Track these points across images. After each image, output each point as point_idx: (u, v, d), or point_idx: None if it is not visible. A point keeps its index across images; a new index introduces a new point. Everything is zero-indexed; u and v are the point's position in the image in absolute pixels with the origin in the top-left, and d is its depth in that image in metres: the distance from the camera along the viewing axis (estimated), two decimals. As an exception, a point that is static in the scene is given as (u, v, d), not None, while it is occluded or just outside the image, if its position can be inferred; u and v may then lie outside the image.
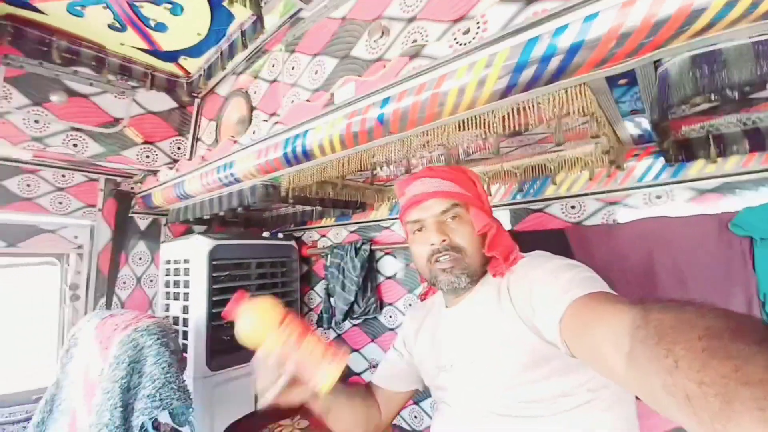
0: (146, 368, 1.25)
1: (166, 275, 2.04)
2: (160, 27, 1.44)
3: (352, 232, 2.16)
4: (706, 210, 1.18)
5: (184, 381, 1.31)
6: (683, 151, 1.14)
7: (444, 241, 0.85)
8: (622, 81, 0.76)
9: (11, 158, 1.62)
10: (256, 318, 0.75)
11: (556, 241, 1.39)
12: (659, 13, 0.58)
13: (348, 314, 2.03)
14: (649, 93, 0.79)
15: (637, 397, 0.67)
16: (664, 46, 0.62)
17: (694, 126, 1.12)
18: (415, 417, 1.81)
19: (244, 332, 0.75)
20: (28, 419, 1.52)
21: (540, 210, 1.53)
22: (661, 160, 1.26)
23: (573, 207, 1.46)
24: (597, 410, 0.73)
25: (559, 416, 0.72)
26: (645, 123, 1.09)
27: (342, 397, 0.96)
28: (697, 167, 1.20)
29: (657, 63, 0.70)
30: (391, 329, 1.96)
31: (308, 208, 2.16)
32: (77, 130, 1.60)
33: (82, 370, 1.43)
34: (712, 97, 0.93)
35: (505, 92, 0.77)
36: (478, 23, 0.76)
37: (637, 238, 1.25)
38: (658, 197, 1.28)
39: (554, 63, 0.70)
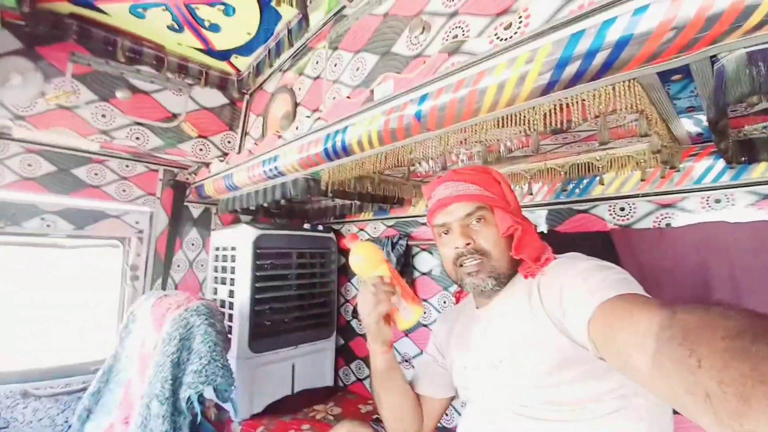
0: (195, 345, 1.35)
1: (215, 261, 2.17)
2: (214, 28, 1.52)
3: (389, 226, 2.18)
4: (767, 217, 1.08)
5: (228, 360, 1.40)
6: (745, 152, 1.05)
7: (468, 244, 0.87)
8: (676, 77, 0.71)
9: (81, 149, 1.80)
10: (369, 251, 0.92)
11: (601, 244, 1.33)
12: (713, 7, 0.54)
13: (383, 308, 2.06)
14: (705, 90, 0.74)
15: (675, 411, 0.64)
16: (718, 42, 0.58)
17: (757, 125, 1.02)
18: (446, 414, 1.81)
19: (358, 260, 0.92)
20: (85, 389, 1.66)
21: (585, 211, 1.47)
22: (722, 161, 1.16)
23: (622, 209, 1.38)
24: (627, 420, 0.71)
25: (588, 423, 0.71)
26: (704, 120, 1.01)
27: (399, 374, 1.02)
28: (760, 170, 1.10)
29: (713, 58, 0.65)
30: (425, 325, 1.97)
31: (347, 201, 2.21)
32: (140, 124, 1.74)
33: (138, 345, 1.57)
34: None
35: (547, 89, 0.75)
36: (520, 17, 0.74)
37: (691, 243, 1.17)
38: (717, 201, 1.19)
39: (600, 58, 0.67)
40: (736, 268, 1.08)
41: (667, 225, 1.27)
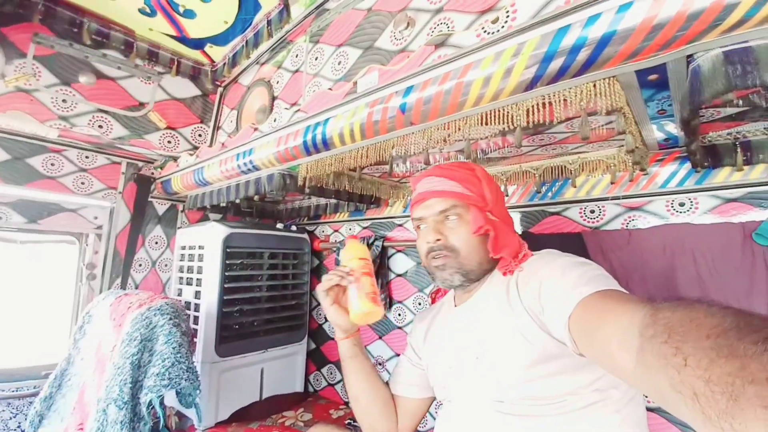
0: (157, 347, 1.27)
1: (181, 260, 2.07)
2: (189, 14, 1.46)
3: (365, 228, 2.16)
4: (729, 220, 1.15)
5: (193, 362, 1.32)
6: (710, 157, 1.11)
7: (438, 240, 0.89)
8: (653, 76, 0.74)
9: (38, 136, 1.67)
10: (351, 245, 1.00)
11: (573, 245, 1.36)
12: (693, 6, 0.56)
13: (357, 309, 2.03)
14: (679, 90, 0.77)
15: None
16: (696, 41, 0.60)
17: (722, 132, 1.09)
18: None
19: (344, 253, 1.00)
20: (36, 394, 1.55)
21: (557, 213, 1.51)
22: (686, 166, 1.23)
23: (592, 211, 1.43)
24: (605, 411, 0.72)
25: (565, 416, 0.72)
26: (671, 126, 1.07)
27: (360, 363, 1.03)
28: (722, 175, 1.17)
29: (689, 59, 0.68)
30: (399, 327, 1.95)
31: (323, 201, 2.17)
32: (103, 111, 1.63)
33: (95, 346, 1.46)
34: (740, 103, 0.91)
35: (532, 83, 0.76)
36: (507, 12, 0.75)
37: (658, 244, 1.22)
38: (682, 204, 1.25)
39: (584, 54, 0.69)
40: (701, 268, 1.13)
41: (635, 227, 1.33)
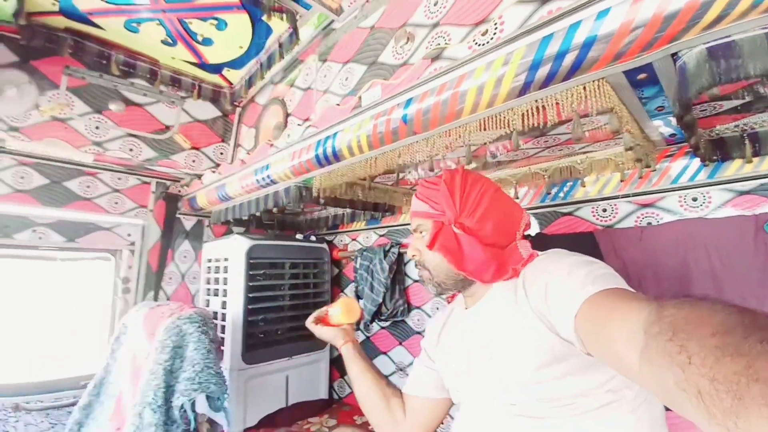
0: (188, 353, 1.35)
1: (207, 272, 2.17)
2: (207, 42, 1.57)
3: (381, 235, 2.21)
4: (744, 212, 1.13)
5: (221, 367, 1.39)
6: (718, 151, 1.11)
7: (414, 256, 0.96)
8: (642, 75, 0.76)
9: (74, 161, 1.81)
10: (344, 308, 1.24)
11: (585, 244, 1.36)
12: (669, 7, 0.59)
13: (376, 316, 2.07)
14: (670, 87, 0.79)
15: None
16: (678, 39, 0.63)
17: (729, 125, 1.08)
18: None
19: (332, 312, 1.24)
20: (74, 404, 1.63)
21: (569, 213, 1.51)
22: (697, 161, 1.22)
23: (604, 210, 1.43)
24: (620, 412, 0.71)
25: (579, 417, 0.71)
26: (674, 121, 1.07)
27: (358, 366, 1.13)
28: (733, 168, 1.16)
29: (675, 57, 0.70)
30: (419, 332, 1.98)
31: (340, 211, 2.24)
32: (133, 136, 1.76)
33: (130, 355, 1.56)
34: (744, 95, 0.91)
35: (523, 89, 0.80)
36: (495, 24, 0.80)
37: (670, 240, 1.21)
38: (695, 199, 1.24)
39: (569, 59, 0.72)
40: (715, 262, 1.12)
41: (648, 224, 1.32)
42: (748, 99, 0.93)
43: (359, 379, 1.12)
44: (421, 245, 0.94)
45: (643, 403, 0.73)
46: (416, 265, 0.97)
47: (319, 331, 1.22)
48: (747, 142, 1.06)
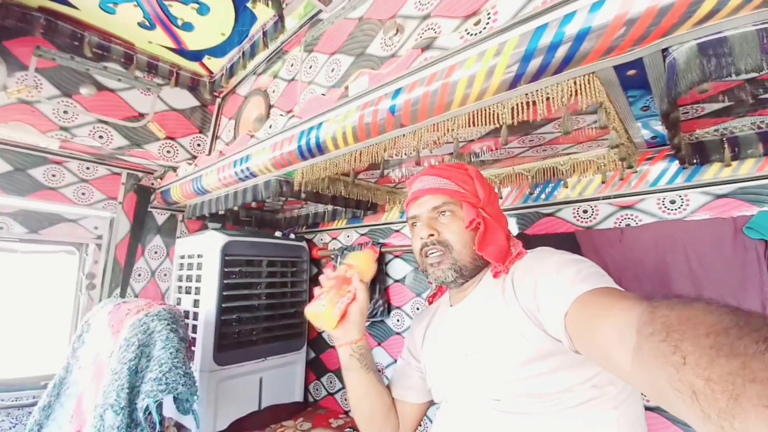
0: (155, 352, 1.27)
1: (180, 269, 2.08)
2: (187, 26, 1.51)
3: (362, 234, 2.17)
4: (721, 215, 1.16)
5: (190, 368, 1.32)
6: (697, 154, 1.13)
7: (431, 235, 0.90)
8: (631, 72, 0.76)
9: (39, 147, 1.71)
10: (356, 257, 1.04)
11: (567, 245, 1.37)
12: (663, 0, 0.59)
13: (355, 316, 2.03)
14: (658, 84, 0.79)
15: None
16: (670, 33, 0.63)
17: (708, 129, 1.11)
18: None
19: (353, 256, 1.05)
20: (35, 404, 1.55)
21: (551, 214, 1.52)
22: (676, 164, 1.24)
23: (585, 211, 1.44)
24: (603, 408, 0.71)
25: (562, 413, 0.71)
26: (657, 124, 1.09)
27: (356, 373, 0.99)
28: (712, 171, 1.19)
29: (664, 53, 0.70)
30: (398, 333, 1.95)
31: (320, 209, 2.19)
32: (104, 122, 1.67)
33: (93, 354, 1.46)
34: (725, 99, 0.93)
35: (514, 82, 0.79)
36: (488, 14, 0.78)
37: (650, 241, 1.23)
38: (672, 202, 1.26)
39: (562, 51, 0.71)
40: (693, 263, 1.14)
41: (627, 225, 1.34)
42: (728, 103, 0.95)
43: (357, 390, 1.01)
44: (439, 225, 0.91)
45: (626, 400, 0.74)
46: (423, 249, 0.91)
47: (331, 318, 0.96)
48: (726, 145, 1.08)
